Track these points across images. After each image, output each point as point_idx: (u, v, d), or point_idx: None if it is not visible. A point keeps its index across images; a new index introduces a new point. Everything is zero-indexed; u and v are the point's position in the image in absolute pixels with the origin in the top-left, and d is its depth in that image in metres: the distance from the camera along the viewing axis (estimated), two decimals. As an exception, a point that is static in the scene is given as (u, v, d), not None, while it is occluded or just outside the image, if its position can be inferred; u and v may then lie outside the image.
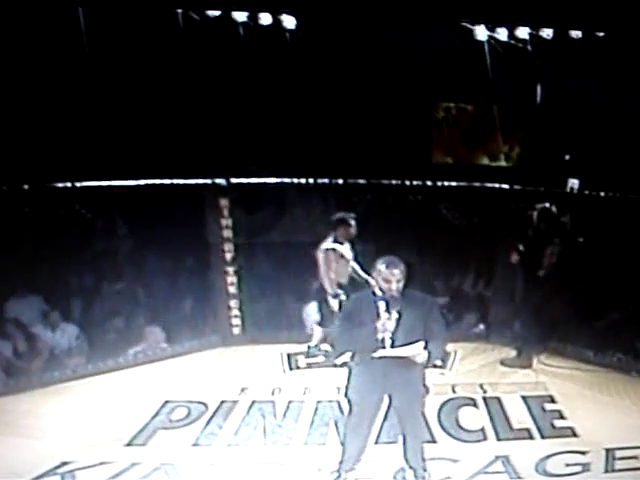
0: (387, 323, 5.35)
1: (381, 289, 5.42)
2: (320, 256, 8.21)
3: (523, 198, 8.89)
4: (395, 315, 5.37)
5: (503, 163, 9.84)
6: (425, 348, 5.39)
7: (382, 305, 5.39)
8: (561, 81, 9.28)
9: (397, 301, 5.39)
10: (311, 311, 8.84)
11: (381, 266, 5.41)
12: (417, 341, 5.36)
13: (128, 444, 6.57)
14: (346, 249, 8.29)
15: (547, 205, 8.53)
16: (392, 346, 5.39)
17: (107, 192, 8.42)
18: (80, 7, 7.77)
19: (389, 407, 5.72)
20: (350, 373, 5.68)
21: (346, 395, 5.67)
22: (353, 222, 8.23)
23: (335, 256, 8.20)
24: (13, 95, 7.77)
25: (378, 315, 5.37)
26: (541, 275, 8.41)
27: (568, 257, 8.54)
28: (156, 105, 8.36)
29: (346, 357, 7.84)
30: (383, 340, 5.39)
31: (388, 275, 5.36)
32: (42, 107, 7.86)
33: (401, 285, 5.40)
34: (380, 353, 5.40)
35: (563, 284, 8.63)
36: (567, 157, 9.63)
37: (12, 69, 7.76)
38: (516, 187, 9.14)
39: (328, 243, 8.22)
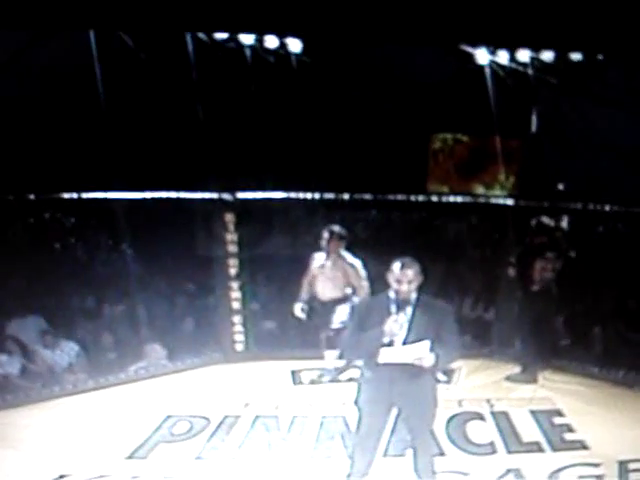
0: (394, 325, 4.94)
1: (394, 291, 5.04)
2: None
3: (526, 214, 8.59)
4: (404, 317, 4.97)
5: (498, 192, 9.60)
6: (432, 351, 4.96)
7: (393, 308, 5.01)
8: (557, 108, 9.10)
9: (408, 303, 5.01)
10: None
11: (395, 266, 5.05)
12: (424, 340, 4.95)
13: (128, 457, 6.15)
14: (325, 263, 7.86)
15: (542, 219, 8.26)
16: (399, 351, 5.03)
17: (111, 205, 8.09)
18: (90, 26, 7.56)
19: (397, 419, 5.33)
20: (360, 379, 5.26)
21: (356, 402, 5.24)
22: (327, 234, 7.75)
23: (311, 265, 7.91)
24: (20, 104, 7.52)
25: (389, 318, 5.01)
26: (536, 290, 8.10)
27: (566, 273, 8.24)
28: (162, 118, 8.08)
29: (351, 372, 7.68)
30: (391, 343, 4.98)
31: (400, 276, 4.99)
32: (50, 116, 7.62)
33: (413, 287, 5.02)
34: (384, 356, 4.97)
35: (562, 300, 8.28)
36: (560, 186, 9.40)
37: (21, 81, 7.53)
38: (521, 203, 8.79)
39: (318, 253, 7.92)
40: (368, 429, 5.21)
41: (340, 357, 7.93)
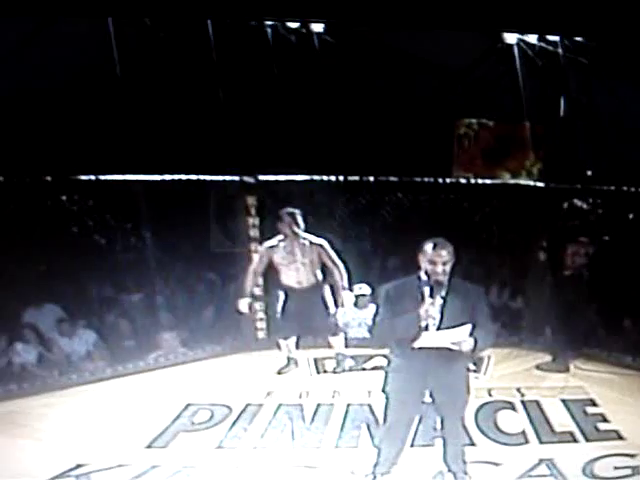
0: (430, 309, 4.76)
1: (426, 273, 4.84)
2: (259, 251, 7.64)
3: (558, 196, 8.35)
4: (439, 301, 4.79)
5: (524, 179, 9.38)
6: (471, 335, 4.78)
7: (427, 291, 4.82)
8: (588, 91, 8.85)
9: (442, 286, 4.81)
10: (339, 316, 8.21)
11: (427, 247, 4.84)
12: (463, 324, 4.77)
13: (148, 447, 6.02)
14: (292, 248, 7.51)
15: (575, 201, 8.05)
16: (436, 335, 4.86)
17: (130, 187, 7.91)
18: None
19: (426, 407, 5.13)
20: (389, 367, 5.07)
21: (383, 390, 5.06)
22: (286, 218, 7.46)
23: (269, 254, 7.53)
24: (38, 84, 7.40)
25: (422, 301, 4.79)
26: (567, 276, 7.93)
27: (599, 258, 8.06)
28: (183, 98, 7.93)
29: (377, 361, 7.56)
30: (427, 328, 4.79)
31: (434, 257, 4.79)
32: (68, 96, 7.51)
33: (448, 268, 4.82)
34: (422, 340, 4.79)
35: (595, 286, 8.09)
36: (589, 173, 9.15)
37: (39, 62, 7.41)
38: (552, 185, 8.55)
39: (272, 240, 7.58)
40: (398, 418, 5.03)
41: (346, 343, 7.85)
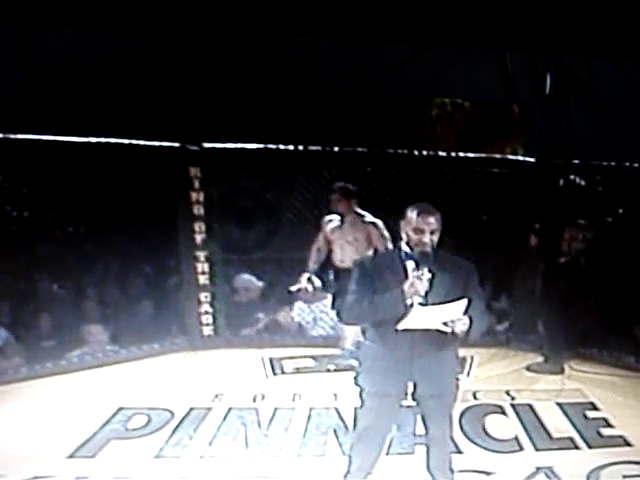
0: (417, 284, 4.46)
1: (409, 244, 4.58)
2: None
3: (551, 172, 8.28)
4: (427, 275, 4.49)
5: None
6: (465, 313, 4.49)
7: (411, 265, 4.54)
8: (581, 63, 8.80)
9: (429, 258, 4.53)
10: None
11: (412, 214, 4.57)
12: (459, 299, 4.48)
13: (71, 456, 5.72)
14: (342, 225, 7.64)
15: (572, 178, 7.99)
16: (424, 313, 4.61)
17: (48, 150, 7.44)
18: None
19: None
20: (364, 354, 4.80)
21: (356, 383, 4.77)
22: (337, 192, 7.55)
23: (324, 228, 7.65)
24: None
25: (406, 276, 4.52)
26: (562, 263, 7.89)
27: (599, 243, 8.02)
28: (116, 50, 7.59)
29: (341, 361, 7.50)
30: (412, 306, 4.50)
31: (421, 224, 4.52)
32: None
33: (435, 238, 4.56)
34: (409, 320, 4.48)
35: (594, 276, 8.06)
36: (576, 161, 9.11)
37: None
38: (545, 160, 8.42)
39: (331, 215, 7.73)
40: (376, 416, 4.72)
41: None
